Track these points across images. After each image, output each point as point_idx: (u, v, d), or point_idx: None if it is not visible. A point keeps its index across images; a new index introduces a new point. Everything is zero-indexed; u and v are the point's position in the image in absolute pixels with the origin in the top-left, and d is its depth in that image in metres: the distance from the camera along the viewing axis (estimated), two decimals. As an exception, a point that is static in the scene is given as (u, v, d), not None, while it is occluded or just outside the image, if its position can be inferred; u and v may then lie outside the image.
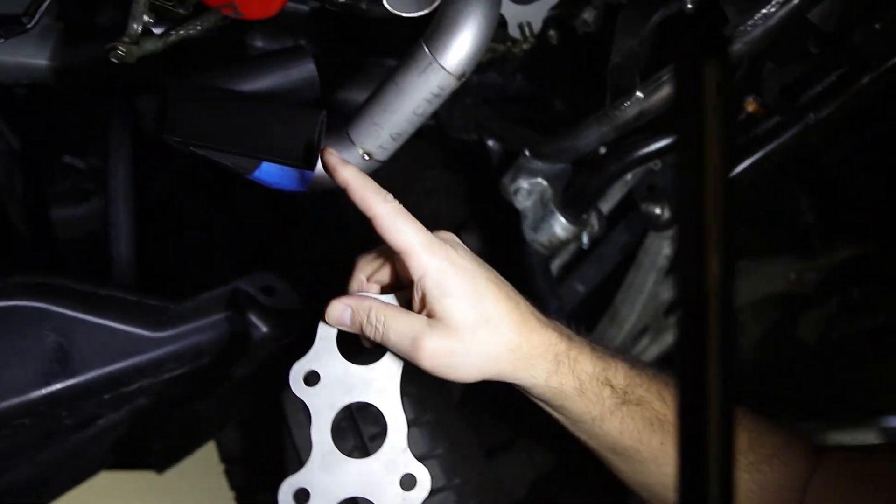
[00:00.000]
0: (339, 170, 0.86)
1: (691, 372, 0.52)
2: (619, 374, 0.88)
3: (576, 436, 0.93)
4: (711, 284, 0.54)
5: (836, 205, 1.79)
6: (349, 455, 0.85)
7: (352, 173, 0.86)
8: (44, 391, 1.03)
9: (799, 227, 1.81)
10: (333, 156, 0.88)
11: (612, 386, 0.88)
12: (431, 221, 1.85)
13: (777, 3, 0.93)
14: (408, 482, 0.83)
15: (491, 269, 0.88)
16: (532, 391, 0.88)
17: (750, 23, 0.95)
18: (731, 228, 0.54)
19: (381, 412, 0.85)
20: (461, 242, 0.89)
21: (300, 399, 0.84)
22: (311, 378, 0.85)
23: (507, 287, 0.87)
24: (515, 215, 1.33)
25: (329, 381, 0.84)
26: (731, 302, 0.53)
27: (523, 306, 0.86)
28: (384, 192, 0.86)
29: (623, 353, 0.92)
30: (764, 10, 0.94)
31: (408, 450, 0.83)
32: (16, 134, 1.49)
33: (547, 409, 0.91)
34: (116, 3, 1.13)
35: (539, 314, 0.88)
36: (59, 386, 1.04)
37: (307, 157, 1.00)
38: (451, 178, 1.77)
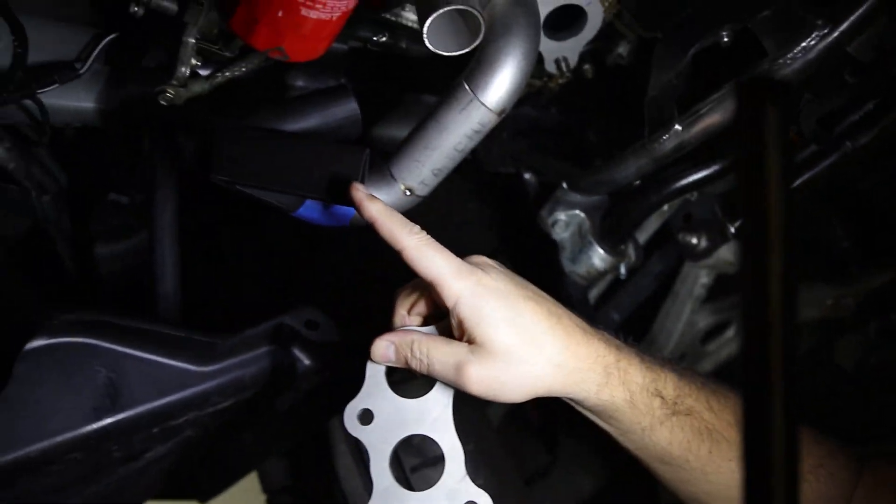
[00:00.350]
0: (366, 205, 0.87)
1: (756, 385, 0.53)
2: (669, 384, 0.88)
3: (623, 446, 0.92)
4: (774, 296, 0.54)
5: (873, 230, 1.78)
6: None
7: (378, 208, 0.87)
8: (95, 426, 1.05)
9: (835, 253, 1.80)
10: (360, 191, 0.89)
11: (661, 397, 0.87)
12: (466, 252, 1.86)
13: (816, 36, 0.94)
14: None
15: (529, 285, 0.88)
16: (582, 404, 0.87)
17: (789, 56, 0.96)
18: (792, 271, 0.55)
19: (435, 442, 0.86)
20: (494, 264, 0.90)
21: (356, 438, 0.85)
22: (365, 417, 0.86)
23: (548, 302, 0.87)
24: (552, 246, 1.34)
25: (383, 418, 0.85)
26: (792, 314, 0.53)
27: (566, 320, 0.86)
28: (411, 225, 0.87)
29: (670, 361, 0.92)
30: (803, 44, 0.95)
31: (467, 477, 0.84)
32: (64, 172, 1.53)
33: (596, 420, 0.90)
34: (161, 47, 1.16)
35: (585, 324, 0.87)
36: (109, 421, 1.06)
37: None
38: (486, 210, 1.79)
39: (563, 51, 1.20)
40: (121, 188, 1.69)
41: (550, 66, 1.21)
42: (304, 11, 0.86)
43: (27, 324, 1.03)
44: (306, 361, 1.20)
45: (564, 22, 1.18)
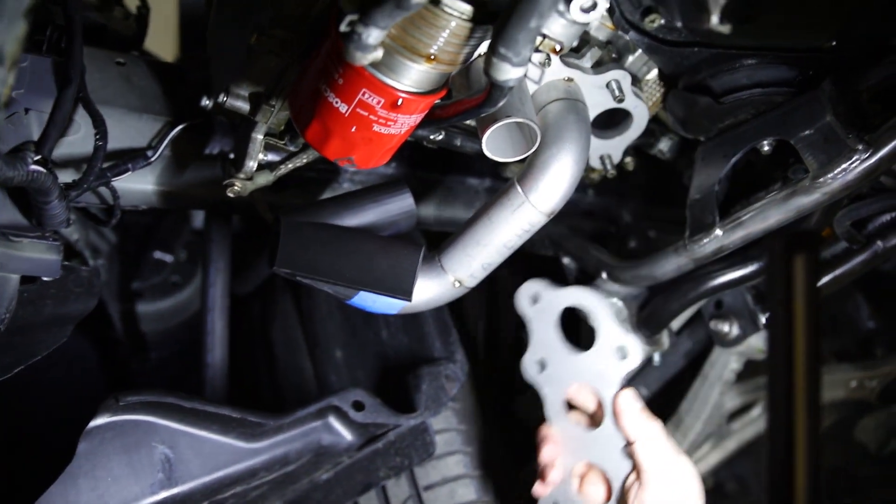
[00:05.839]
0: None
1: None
2: None
3: None
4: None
5: (898, 312, 1.81)
6: None
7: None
8: (150, 500, 1.09)
9: (860, 333, 1.83)
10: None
11: None
12: (497, 321, 1.89)
13: (857, 160, 0.98)
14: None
15: None
16: None
17: (830, 175, 1.00)
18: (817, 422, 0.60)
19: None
20: None
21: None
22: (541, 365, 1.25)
23: None
24: (589, 330, 1.38)
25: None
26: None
27: None
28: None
29: None
30: (844, 165, 0.99)
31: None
32: (114, 232, 1.59)
33: None
34: (225, 133, 1.22)
35: None
36: (164, 495, 1.10)
37: (407, 289, 1.07)
38: (517, 281, 1.83)
39: (609, 148, 1.25)
40: (166, 246, 1.75)
41: (595, 162, 1.26)
42: (376, 128, 0.91)
43: (92, 401, 1.08)
44: (349, 438, 1.24)
45: (611, 120, 1.23)
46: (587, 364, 1.20)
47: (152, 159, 1.13)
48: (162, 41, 1.55)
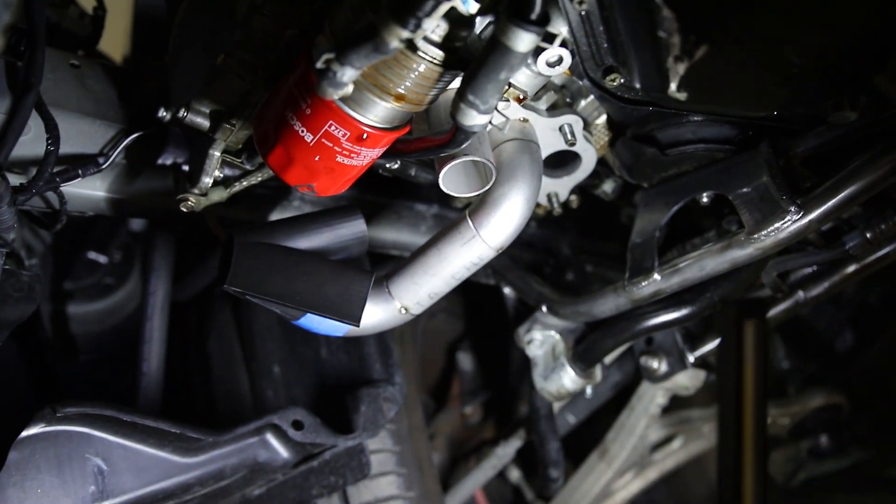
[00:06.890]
0: None
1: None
2: None
3: None
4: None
5: (811, 354, 1.92)
6: None
7: None
8: (79, 513, 1.07)
9: (776, 373, 1.92)
10: None
11: None
12: (432, 338, 1.92)
13: (789, 220, 1.05)
14: None
15: None
16: None
17: (764, 233, 1.07)
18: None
19: None
20: None
21: None
22: None
23: None
24: (525, 359, 1.42)
25: None
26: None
27: None
28: None
29: None
30: (776, 224, 1.06)
31: None
32: (49, 231, 1.55)
33: None
34: (178, 144, 1.21)
35: None
36: (94, 508, 1.09)
37: (356, 315, 1.09)
38: (454, 300, 1.87)
39: (557, 187, 1.29)
40: (100, 247, 1.72)
41: (542, 199, 1.30)
42: (339, 158, 0.93)
43: (24, 409, 1.05)
44: (285, 455, 1.25)
45: (560, 160, 1.28)
46: None
47: (103, 166, 1.11)
48: (114, 42, 1.52)
